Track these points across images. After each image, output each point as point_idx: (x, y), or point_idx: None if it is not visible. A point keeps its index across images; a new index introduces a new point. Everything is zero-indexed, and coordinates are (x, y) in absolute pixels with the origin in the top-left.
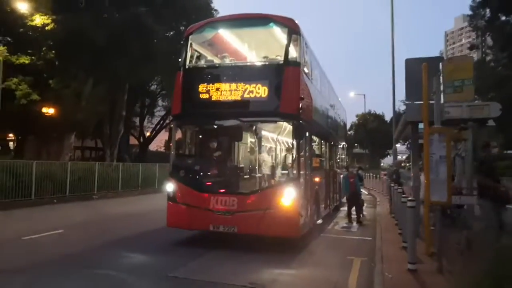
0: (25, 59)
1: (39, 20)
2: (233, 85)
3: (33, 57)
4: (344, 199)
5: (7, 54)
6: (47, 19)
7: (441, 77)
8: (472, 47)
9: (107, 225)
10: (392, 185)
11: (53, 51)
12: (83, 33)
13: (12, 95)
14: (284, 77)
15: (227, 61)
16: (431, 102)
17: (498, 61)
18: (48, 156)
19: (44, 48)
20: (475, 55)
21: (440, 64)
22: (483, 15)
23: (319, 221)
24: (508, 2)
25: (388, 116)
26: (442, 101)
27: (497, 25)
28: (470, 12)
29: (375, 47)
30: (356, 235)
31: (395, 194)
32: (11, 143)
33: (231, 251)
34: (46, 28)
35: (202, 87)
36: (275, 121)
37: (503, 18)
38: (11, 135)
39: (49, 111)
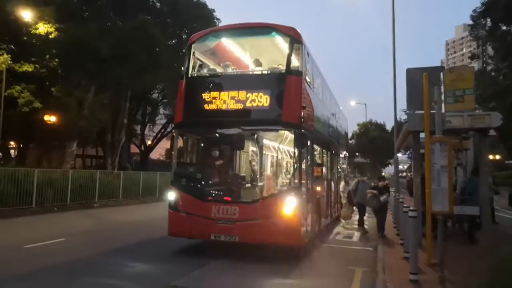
0: (28, 67)
1: (42, 28)
2: (235, 94)
3: (36, 65)
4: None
5: (10, 62)
6: (51, 27)
7: (442, 87)
8: (473, 57)
9: (109, 234)
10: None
11: (56, 59)
12: (86, 42)
13: (15, 102)
14: (286, 86)
15: (230, 69)
16: (432, 111)
17: (499, 70)
18: (50, 164)
19: (47, 56)
20: (476, 65)
21: (441, 73)
22: (484, 25)
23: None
24: (509, 12)
25: (389, 125)
26: (443, 110)
27: (498, 35)
28: (470, 22)
29: (376, 56)
30: (358, 245)
31: (397, 204)
32: (12, 151)
33: (232, 260)
34: (50, 36)
35: (204, 96)
36: (277, 130)
37: (504, 28)
38: (12, 142)
39: (51, 119)
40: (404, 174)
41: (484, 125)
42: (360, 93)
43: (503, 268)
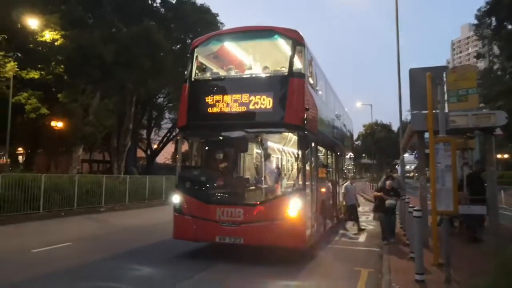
0: (34, 74)
1: (48, 35)
2: (238, 97)
3: (42, 72)
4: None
5: (17, 69)
6: (56, 34)
7: (445, 87)
8: (478, 56)
9: (115, 238)
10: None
11: (62, 66)
12: (91, 48)
13: (22, 109)
14: (289, 88)
15: (233, 73)
16: (435, 111)
17: (505, 69)
18: (57, 169)
19: (53, 63)
20: (482, 64)
21: (444, 73)
22: (489, 24)
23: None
24: None
25: (395, 126)
26: (446, 110)
27: (503, 34)
28: (476, 21)
29: (383, 57)
30: (363, 246)
31: (402, 205)
32: (20, 157)
33: (237, 263)
34: (56, 43)
35: (207, 99)
36: (281, 132)
37: (509, 27)
38: (20, 148)
39: (57, 124)
40: (411, 174)
41: (489, 124)
42: (366, 94)
43: (507, 268)
